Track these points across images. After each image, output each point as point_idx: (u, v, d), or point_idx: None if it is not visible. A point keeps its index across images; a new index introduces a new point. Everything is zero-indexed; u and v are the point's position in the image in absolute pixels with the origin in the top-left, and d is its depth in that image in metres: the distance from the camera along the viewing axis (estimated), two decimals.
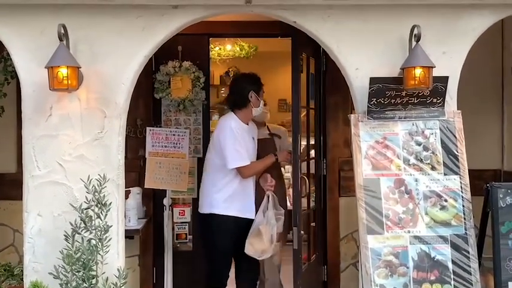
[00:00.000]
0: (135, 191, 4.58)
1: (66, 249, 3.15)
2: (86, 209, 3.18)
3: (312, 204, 4.90)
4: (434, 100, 3.46)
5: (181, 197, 5.06)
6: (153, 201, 4.90)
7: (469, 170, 3.47)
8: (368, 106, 3.44)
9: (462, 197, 3.42)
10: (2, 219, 4.79)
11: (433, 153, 3.47)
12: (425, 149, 3.47)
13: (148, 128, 4.64)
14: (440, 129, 3.49)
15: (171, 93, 4.85)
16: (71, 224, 3.18)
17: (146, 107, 4.94)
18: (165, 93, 4.87)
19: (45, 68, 3.18)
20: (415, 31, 3.31)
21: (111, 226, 3.25)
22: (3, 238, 4.79)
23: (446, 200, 3.41)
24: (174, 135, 4.61)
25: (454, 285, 3.32)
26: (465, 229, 3.39)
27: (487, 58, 4.81)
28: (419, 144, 3.47)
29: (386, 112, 3.47)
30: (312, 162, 4.92)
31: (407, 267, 3.34)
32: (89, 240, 3.17)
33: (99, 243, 3.17)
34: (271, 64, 7.67)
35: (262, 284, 4.82)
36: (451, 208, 3.41)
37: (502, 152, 4.95)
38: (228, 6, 3.48)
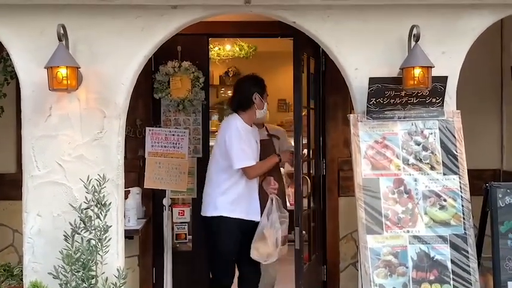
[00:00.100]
0: (135, 191, 4.58)
1: (65, 249, 3.15)
2: (85, 209, 3.18)
3: (312, 204, 4.90)
4: (434, 100, 3.46)
5: (181, 197, 5.06)
6: (152, 201, 4.90)
7: (468, 169, 3.47)
8: (367, 106, 3.44)
9: (461, 196, 3.42)
10: (2, 220, 4.79)
11: (432, 153, 3.47)
12: (425, 148, 3.47)
13: (147, 128, 4.64)
14: (440, 129, 3.49)
15: (170, 94, 4.86)
16: (71, 224, 3.18)
17: (146, 107, 4.95)
18: (164, 93, 4.87)
19: (45, 68, 3.18)
20: (414, 31, 3.32)
21: (111, 226, 3.25)
22: (3, 238, 4.79)
23: (445, 200, 3.41)
24: (173, 135, 4.60)
25: (453, 285, 3.32)
26: (464, 229, 3.39)
27: (486, 58, 4.81)
28: (418, 144, 3.47)
29: (385, 112, 3.47)
30: (312, 162, 4.92)
31: (407, 267, 3.34)
32: (89, 241, 3.18)
33: (99, 244, 3.17)
34: (270, 64, 7.68)
35: None
36: (450, 208, 3.41)
37: (501, 152, 4.96)
38: (227, 7, 3.48)
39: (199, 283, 4.97)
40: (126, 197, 3.98)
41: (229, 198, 4.12)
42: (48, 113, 3.39)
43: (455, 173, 3.45)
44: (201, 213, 4.27)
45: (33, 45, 3.37)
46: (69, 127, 3.39)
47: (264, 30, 4.99)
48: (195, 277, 4.99)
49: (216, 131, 7.89)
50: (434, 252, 3.36)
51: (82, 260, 3.13)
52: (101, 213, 3.19)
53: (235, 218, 4.13)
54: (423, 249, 3.36)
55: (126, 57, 3.42)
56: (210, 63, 5.37)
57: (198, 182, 5.02)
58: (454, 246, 3.36)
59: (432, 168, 3.45)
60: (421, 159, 3.46)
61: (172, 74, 4.86)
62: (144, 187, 4.60)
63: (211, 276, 4.42)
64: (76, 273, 3.12)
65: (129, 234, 4.18)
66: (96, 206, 3.19)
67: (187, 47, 4.94)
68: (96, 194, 3.18)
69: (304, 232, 4.32)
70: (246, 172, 4.12)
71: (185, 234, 4.97)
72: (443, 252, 3.36)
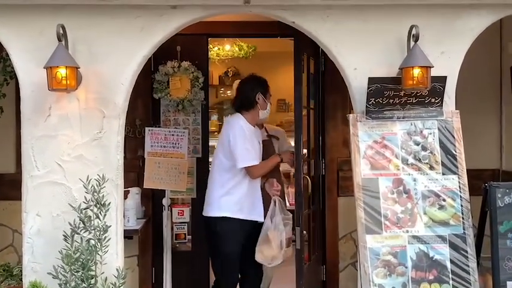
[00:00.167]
0: (134, 191, 4.58)
1: (65, 249, 3.15)
2: (84, 209, 3.18)
3: (311, 204, 4.90)
4: (433, 100, 3.46)
5: (180, 197, 5.06)
6: (152, 201, 4.91)
7: (467, 169, 3.47)
8: (366, 106, 3.45)
9: (460, 196, 3.42)
10: (1, 220, 4.79)
11: (431, 153, 3.47)
12: (424, 148, 3.47)
13: (147, 128, 4.64)
14: (439, 129, 3.49)
15: (170, 94, 4.86)
16: (70, 224, 3.18)
17: (145, 107, 4.95)
18: (164, 94, 4.87)
19: (44, 68, 3.19)
20: (414, 31, 3.32)
21: (110, 226, 3.25)
22: (2, 238, 4.80)
23: (444, 200, 3.41)
24: (173, 135, 4.60)
25: (452, 285, 3.32)
26: (463, 229, 3.39)
27: (486, 58, 4.82)
28: (417, 144, 3.47)
29: (384, 112, 3.48)
30: (311, 162, 4.92)
31: (406, 267, 3.34)
32: (88, 241, 3.18)
33: (98, 244, 3.18)
34: (270, 64, 7.67)
35: None
36: (450, 208, 3.41)
37: (500, 152, 4.96)
38: (227, 7, 3.49)
39: (199, 283, 4.98)
40: (125, 197, 3.98)
41: (234, 198, 4.10)
42: (48, 113, 3.39)
43: (455, 173, 3.45)
44: (203, 214, 4.23)
45: (33, 45, 3.37)
46: (69, 127, 3.39)
47: (263, 30, 4.99)
48: (195, 277, 5.00)
49: (216, 131, 7.95)
50: (433, 252, 3.36)
51: (81, 260, 3.13)
52: (100, 213, 3.19)
53: (239, 219, 4.10)
54: (422, 249, 3.36)
55: (125, 57, 3.42)
56: (209, 63, 5.38)
57: (197, 182, 5.03)
58: (453, 246, 3.37)
59: (431, 168, 3.46)
60: (420, 159, 3.46)
61: (172, 74, 4.86)
62: (144, 187, 4.60)
63: (214, 277, 4.39)
64: (75, 273, 3.12)
65: (128, 234, 4.18)
66: (95, 206, 3.19)
67: (186, 47, 4.95)
68: (95, 194, 3.18)
69: (305, 232, 4.32)
70: (249, 172, 4.09)
71: (184, 234, 4.97)
72: (443, 252, 3.36)
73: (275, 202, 4.17)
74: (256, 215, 4.18)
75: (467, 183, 3.44)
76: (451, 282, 3.32)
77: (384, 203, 3.40)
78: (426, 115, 3.49)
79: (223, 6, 3.47)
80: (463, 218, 3.40)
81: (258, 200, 4.20)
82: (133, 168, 4.73)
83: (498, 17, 3.55)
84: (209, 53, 5.58)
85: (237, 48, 7.38)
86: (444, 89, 3.43)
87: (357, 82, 3.49)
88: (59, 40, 3.21)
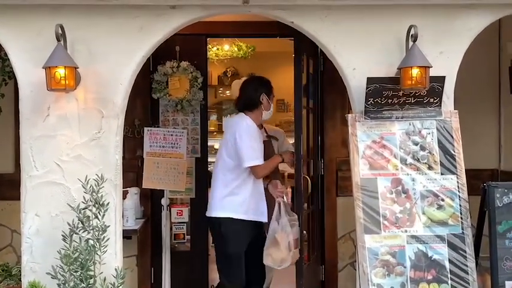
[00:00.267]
0: (133, 191, 4.58)
1: (64, 249, 3.15)
2: (83, 209, 3.19)
3: (310, 204, 4.90)
4: (431, 100, 3.47)
5: (179, 197, 5.06)
6: (151, 201, 4.91)
7: (466, 169, 3.47)
8: (365, 106, 3.45)
9: (459, 196, 3.42)
10: (0, 220, 4.79)
11: (430, 152, 3.47)
12: (422, 148, 3.48)
13: (146, 128, 4.63)
14: (437, 129, 3.50)
15: (168, 94, 4.86)
16: (69, 224, 3.18)
17: (144, 107, 4.95)
18: (162, 94, 4.87)
19: (43, 68, 3.19)
20: (412, 31, 3.32)
21: (109, 226, 3.26)
22: (1, 238, 4.80)
23: (443, 200, 3.42)
24: (172, 135, 4.60)
25: (451, 285, 3.32)
26: (462, 228, 3.39)
27: (484, 58, 4.82)
28: (416, 144, 3.48)
29: (383, 112, 3.48)
30: (310, 162, 4.92)
31: (405, 267, 3.34)
32: (87, 240, 3.18)
33: (97, 243, 3.18)
34: (269, 64, 7.68)
35: None
36: (448, 208, 3.41)
37: (499, 152, 4.97)
38: (226, 7, 3.49)
39: (198, 283, 4.98)
40: (124, 197, 3.99)
41: (239, 198, 4.05)
42: (47, 113, 3.39)
43: (453, 173, 3.45)
44: (206, 214, 4.17)
45: (31, 45, 3.37)
46: (67, 127, 3.39)
47: (262, 30, 4.99)
48: (194, 277, 5.00)
49: (215, 131, 7.96)
50: (432, 251, 3.36)
51: (80, 260, 3.13)
52: (99, 213, 3.19)
53: (243, 220, 4.05)
54: (421, 249, 3.36)
55: (124, 57, 3.42)
56: (208, 63, 5.39)
57: (196, 182, 5.03)
58: (451, 246, 3.37)
59: (430, 168, 3.46)
60: (418, 159, 3.46)
61: (171, 74, 4.86)
62: (143, 187, 4.60)
63: (219, 278, 4.37)
64: (74, 273, 3.12)
65: (127, 234, 4.18)
66: (94, 206, 3.19)
67: (185, 47, 4.94)
68: (94, 194, 3.18)
69: (305, 232, 4.31)
70: (254, 171, 4.04)
71: (183, 234, 4.97)
72: (441, 252, 3.36)
73: (280, 204, 4.11)
74: (261, 216, 4.13)
75: (465, 183, 3.45)
76: (449, 282, 3.33)
77: (383, 203, 3.40)
78: (425, 115, 3.50)
79: (222, 6, 3.47)
80: (461, 218, 3.40)
81: (262, 200, 4.15)
82: (132, 168, 4.73)
83: (497, 17, 3.55)
84: (208, 53, 5.59)
85: (236, 48, 7.38)
86: (443, 89, 3.43)
87: (355, 82, 3.49)
88: (58, 40, 3.21)
